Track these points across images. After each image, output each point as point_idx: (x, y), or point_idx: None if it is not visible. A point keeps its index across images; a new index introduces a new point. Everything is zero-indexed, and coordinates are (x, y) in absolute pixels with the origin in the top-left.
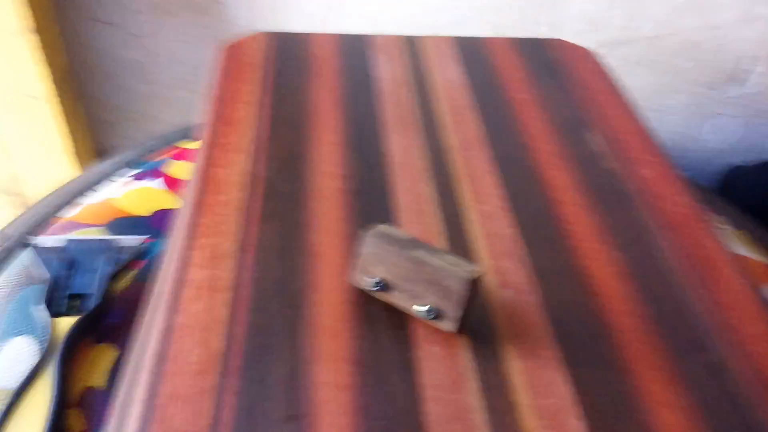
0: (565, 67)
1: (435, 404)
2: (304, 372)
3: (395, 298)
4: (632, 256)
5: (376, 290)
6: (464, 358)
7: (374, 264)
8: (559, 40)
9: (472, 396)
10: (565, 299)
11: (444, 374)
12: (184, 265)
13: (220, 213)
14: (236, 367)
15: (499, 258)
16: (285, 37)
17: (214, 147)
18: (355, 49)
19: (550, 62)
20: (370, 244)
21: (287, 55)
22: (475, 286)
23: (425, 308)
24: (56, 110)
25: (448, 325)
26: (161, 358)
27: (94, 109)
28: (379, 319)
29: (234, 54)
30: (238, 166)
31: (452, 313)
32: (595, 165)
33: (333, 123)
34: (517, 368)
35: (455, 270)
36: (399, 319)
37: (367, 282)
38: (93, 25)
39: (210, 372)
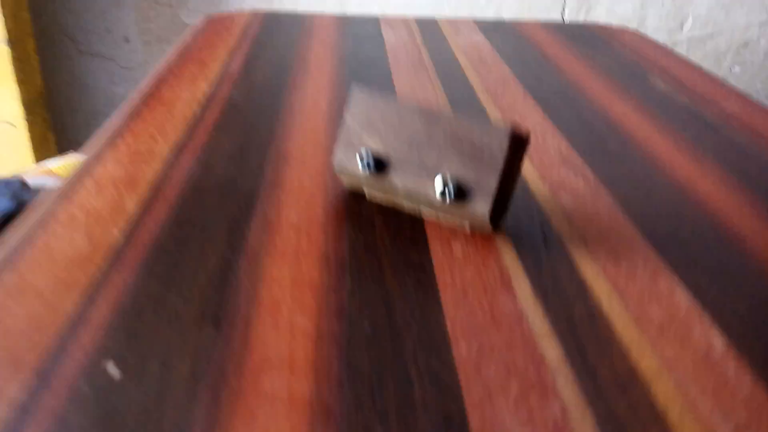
0: (604, 36)
1: (458, 308)
2: (244, 265)
3: (395, 181)
4: (745, 173)
5: (367, 173)
6: (503, 257)
7: (366, 130)
8: (594, 23)
9: (522, 300)
10: (655, 206)
11: (471, 275)
12: (93, 162)
13: (157, 120)
14: (133, 261)
15: (549, 168)
16: (278, 14)
17: (168, 75)
18: (356, 21)
19: (587, 32)
20: (361, 102)
21: (278, 23)
22: (519, 146)
23: (441, 185)
24: (23, 136)
25: (479, 207)
26: (23, 246)
27: (68, 148)
28: (368, 219)
29: (215, 21)
30: (195, 88)
31: (486, 184)
32: (660, 98)
33: (326, 64)
34: (595, 272)
35: (488, 124)
36: (399, 219)
37: (354, 162)
38: (73, 51)
39: (90, 265)
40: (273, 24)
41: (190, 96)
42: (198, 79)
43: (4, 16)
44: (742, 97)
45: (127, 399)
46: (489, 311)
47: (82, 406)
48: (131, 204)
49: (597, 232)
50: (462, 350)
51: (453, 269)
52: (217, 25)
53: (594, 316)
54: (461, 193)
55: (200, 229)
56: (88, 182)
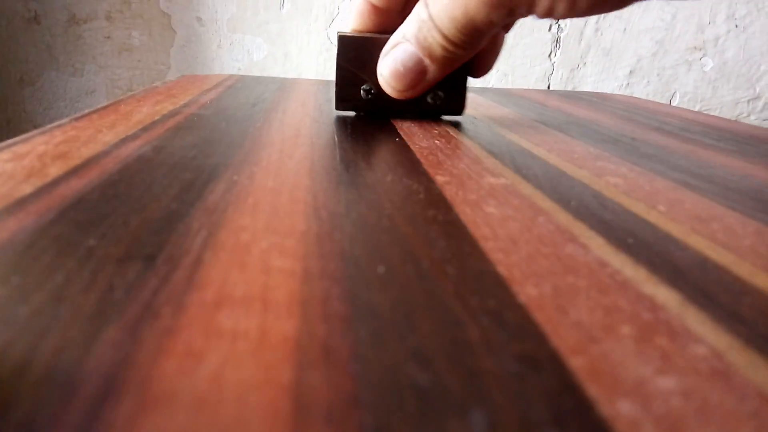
0: (597, 99)
1: (510, 255)
2: (197, 214)
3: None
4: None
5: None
6: (555, 216)
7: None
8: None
9: (597, 250)
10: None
11: (518, 229)
12: (13, 143)
13: (108, 121)
14: (41, 209)
15: (584, 161)
16: (257, 76)
17: (130, 99)
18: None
19: (578, 96)
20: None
21: (257, 81)
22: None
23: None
24: None
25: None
26: None
27: None
28: (370, 187)
29: (190, 77)
30: (158, 107)
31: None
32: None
33: (309, 91)
34: (686, 231)
35: None
36: (409, 189)
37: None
38: None
39: None
40: (252, 81)
41: (151, 111)
42: (163, 102)
43: None
44: None
45: None
46: (555, 258)
47: None
48: (54, 170)
49: (668, 201)
50: (531, 292)
51: (491, 225)
52: (191, 78)
53: (704, 264)
54: None
55: (142, 189)
56: (3, 155)
